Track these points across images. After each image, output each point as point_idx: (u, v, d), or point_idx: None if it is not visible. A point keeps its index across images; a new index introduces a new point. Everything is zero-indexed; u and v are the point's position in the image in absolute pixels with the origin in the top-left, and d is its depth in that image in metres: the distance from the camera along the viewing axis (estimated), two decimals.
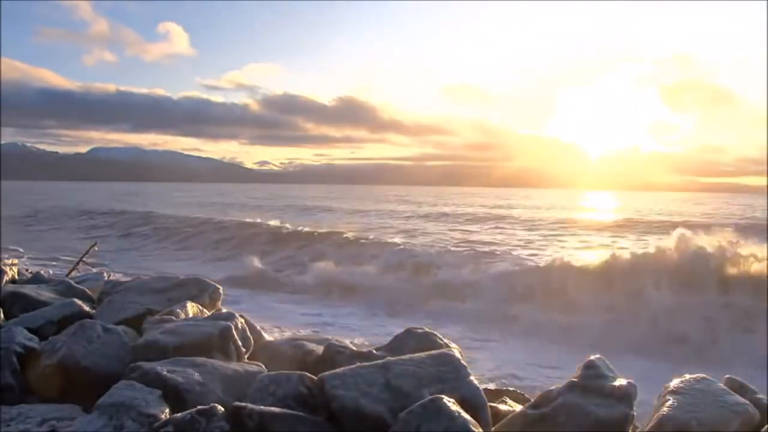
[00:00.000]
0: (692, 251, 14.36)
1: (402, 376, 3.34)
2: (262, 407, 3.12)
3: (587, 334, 11.32)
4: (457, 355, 3.66)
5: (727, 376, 3.84)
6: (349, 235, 23.89)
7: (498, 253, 19.76)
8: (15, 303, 5.46)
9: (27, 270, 8.49)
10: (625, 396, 3.35)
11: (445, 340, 4.41)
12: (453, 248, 21.17)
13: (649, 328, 11.61)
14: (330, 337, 4.98)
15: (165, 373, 3.55)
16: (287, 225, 27.50)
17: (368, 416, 3.11)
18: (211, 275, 8.67)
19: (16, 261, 8.24)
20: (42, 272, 7.45)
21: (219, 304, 5.76)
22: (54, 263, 18.49)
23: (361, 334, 10.87)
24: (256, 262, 19.01)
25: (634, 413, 3.36)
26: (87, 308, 5.25)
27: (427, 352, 3.67)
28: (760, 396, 3.58)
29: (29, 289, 5.85)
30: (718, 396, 3.42)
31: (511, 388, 5.35)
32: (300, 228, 26.34)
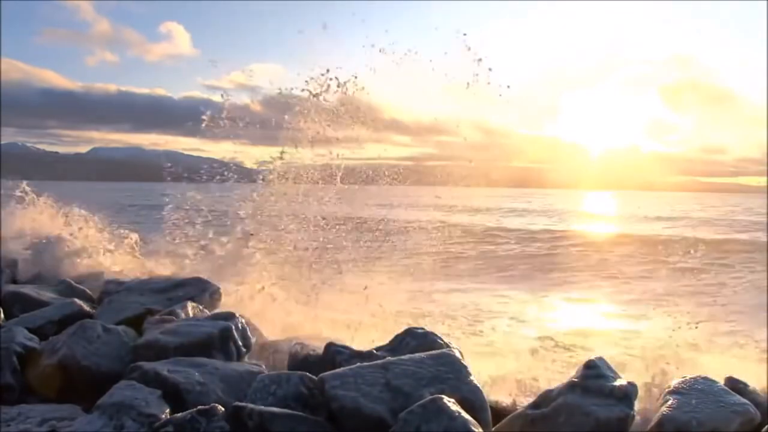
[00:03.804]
0: None
1: (402, 376, 3.34)
2: (262, 407, 3.12)
3: None
4: (458, 355, 3.66)
5: (728, 376, 3.85)
6: None
7: None
8: (15, 303, 5.46)
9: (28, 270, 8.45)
10: (625, 396, 3.35)
11: (446, 340, 4.40)
12: None
13: None
14: (330, 337, 4.97)
15: (165, 373, 3.56)
16: None
17: (368, 416, 3.11)
18: None
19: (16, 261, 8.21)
20: (42, 272, 7.44)
21: (219, 304, 5.76)
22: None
23: None
24: None
25: (634, 413, 3.36)
26: (87, 308, 5.25)
27: (427, 352, 3.67)
28: (760, 396, 3.58)
29: (29, 289, 5.85)
30: (719, 396, 3.42)
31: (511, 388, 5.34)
32: None
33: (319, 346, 4.43)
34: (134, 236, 8.59)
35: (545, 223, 29.90)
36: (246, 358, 4.42)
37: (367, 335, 5.30)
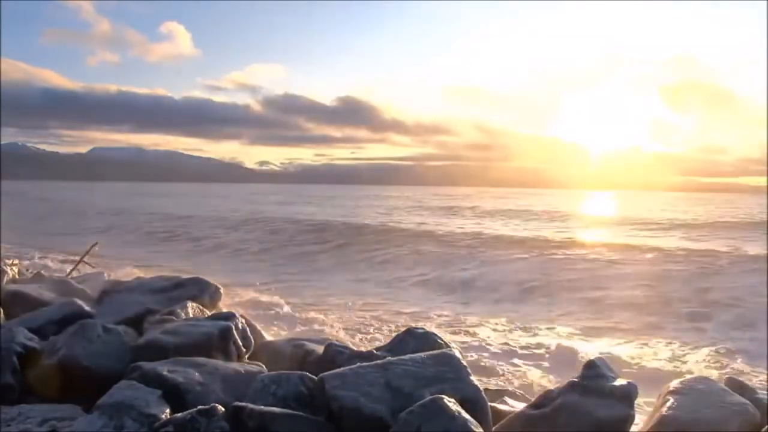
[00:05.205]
0: None
1: (402, 376, 3.34)
2: (262, 407, 3.12)
3: None
4: (457, 355, 3.65)
5: (728, 376, 3.85)
6: None
7: None
8: (15, 303, 5.46)
9: (27, 270, 8.48)
10: (625, 396, 3.35)
11: (445, 340, 4.40)
12: None
13: None
14: (330, 337, 4.97)
15: (165, 373, 3.55)
16: None
17: (368, 416, 3.11)
18: None
19: (17, 261, 8.23)
20: (42, 272, 7.45)
21: (220, 303, 5.76)
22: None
23: None
24: None
25: (634, 413, 3.36)
26: (87, 308, 5.25)
27: (427, 352, 3.67)
28: (760, 396, 3.58)
29: (30, 289, 5.85)
30: (719, 396, 3.41)
31: (510, 388, 5.35)
32: None
33: (319, 346, 4.44)
34: None
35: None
36: (246, 358, 4.42)
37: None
